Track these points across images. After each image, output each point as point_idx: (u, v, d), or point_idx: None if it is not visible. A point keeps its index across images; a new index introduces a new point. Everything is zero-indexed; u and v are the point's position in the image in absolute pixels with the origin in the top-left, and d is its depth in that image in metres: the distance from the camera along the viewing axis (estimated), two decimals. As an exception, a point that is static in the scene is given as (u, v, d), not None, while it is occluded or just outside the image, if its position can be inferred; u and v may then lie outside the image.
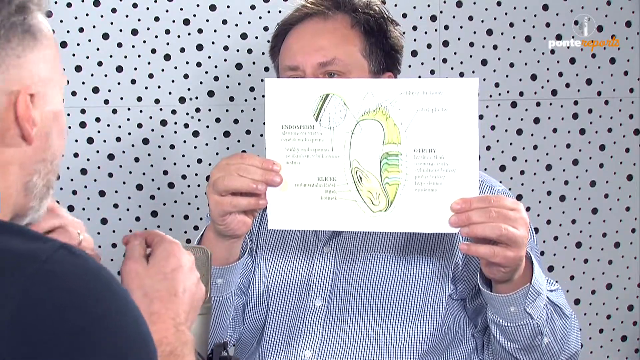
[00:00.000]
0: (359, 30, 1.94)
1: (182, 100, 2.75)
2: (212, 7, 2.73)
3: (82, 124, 2.70)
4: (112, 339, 1.14)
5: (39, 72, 1.27)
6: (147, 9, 2.71)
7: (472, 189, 1.68)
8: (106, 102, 2.72)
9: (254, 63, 2.75)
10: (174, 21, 2.72)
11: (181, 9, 2.72)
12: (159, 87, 2.74)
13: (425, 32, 2.80)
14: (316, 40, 1.92)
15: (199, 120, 2.76)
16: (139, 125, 2.74)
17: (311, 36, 1.93)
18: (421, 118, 1.68)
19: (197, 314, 1.42)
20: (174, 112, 2.75)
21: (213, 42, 2.74)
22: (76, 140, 2.69)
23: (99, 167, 2.74)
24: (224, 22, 2.73)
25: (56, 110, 1.31)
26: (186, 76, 2.74)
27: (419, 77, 2.75)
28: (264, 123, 2.73)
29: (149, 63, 2.73)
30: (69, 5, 2.67)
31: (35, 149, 1.28)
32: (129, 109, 2.73)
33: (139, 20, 2.71)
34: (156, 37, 2.72)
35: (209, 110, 2.76)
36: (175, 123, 2.75)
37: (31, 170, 1.29)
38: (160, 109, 2.74)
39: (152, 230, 1.44)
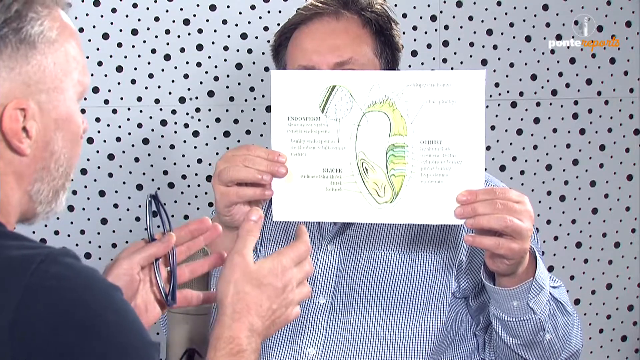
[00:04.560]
0: (370, 29, 1.94)
1: (182, 100, 2.75)
2: (212, 7, 2.73)
3: (82, 124, 2.70)
4: (109, 334, 1.15)
5: (37, 82, 1.26)
6: (147, 9, 2.72)
7: (478, 180, 1.68)
8: (106, 102, 2.72)
9: (254, 63, 2.75)
10: (174, 21, 2.72)
11: (181, 9, 2.73)
12: (159, 87, 2.74)
13: (425, 32, 2.80)
14: (331, 40, 1.90)
15: (199, 120, 2.76)
16: (139, 125, 2.74)
17: (325, 35, 1.91)
18: (428, 110, 1.68)
19: (274, 332, 1.46)
20: (174, 112, 2.75)
21: (213, 42, 2.74)
22: (76, 140, 2.69)
23: (99, 167, 2.74)
24: (224, 22, 2.74)
25: (61, 117, 1.29)
26: (186, 76, 2.74)
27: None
28: (264, 123, 2.76)
29: (149, 63, 2.73)
30: (68, 5, 2.66)
31: (34, 159, 1.27)
32: (129, 109, 2.73)
33: (139, 20, 2.71)
34: (156, 37, 2.72)
35: (209, 110, 2.76)
36: (175, 123, 2.75)
37: (31, 180, 1.28)
38: (160, 109, 2.74)
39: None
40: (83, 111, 2.68)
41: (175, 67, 2.74)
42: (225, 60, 2.75)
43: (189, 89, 2.75)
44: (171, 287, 1.49)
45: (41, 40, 1.27)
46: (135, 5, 2.71)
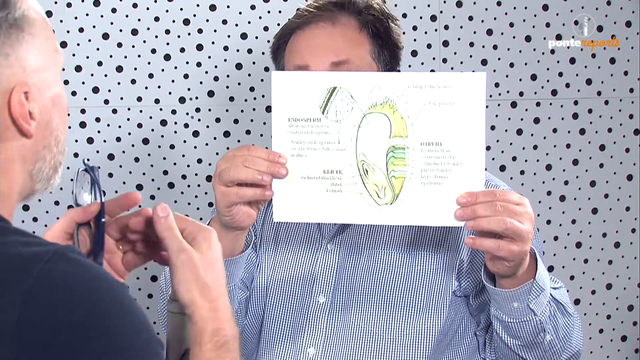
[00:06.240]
0: (367, 33, 1.94)
1: (182, 100, 2.75)
2: (212, 7, 2.73)
3: (82, 124, 2.70)
4: (114, 333, 1.14)
5: (30, 64, 1.26)
6: (147, 9, 2.72)
7: (478, 182, 1.68)
8: (106, 102, 2.72)
9: (254, 63, 2.75)
10: (174, 21, 2.72)
11: (181, 9, 2.73)
12: (159, 87, 2.74)
13: (425, 32, 2.81)
14: (328, 43, 1.91)
15: (199, 120, 2.76)
16: (139, 125, 2.74)
17: (322, 40, 1.91)
18: (428, 112, 1.68)
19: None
20: (174, 112, 2.75)
21: (213, 42, 2.74)
22: (76, 140, 2.69)
23: (99, 167, 2.72)
24: (224, 22, 2.74)
25: (54, 94, 1.31)
26: (186, 76, 2.74)
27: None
28: (264, 123, 2.76)
29: (149, 63, 2.73)
30: (69, 5, 2.67)
31: (37, 140, 1.28)
32: (129, 109, 2.73)
33: (139, 20, 2.71)
34: (156, 37, 2.72)
35: (209, 110, 2.76)
36: (175, 123, 2.75)
37: (34, 160, 1.29)
38: (160, 109, 2.74)
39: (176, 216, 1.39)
40: (83, 111, 2.69)
41: (175, 67, 2.74)
42: (225, 60, 2.75)
43: (189, 89, 2.75)
44: (93, 249, 1.40)
45: (25, 21, 1.27)
46: (135, 5, 2.71)
